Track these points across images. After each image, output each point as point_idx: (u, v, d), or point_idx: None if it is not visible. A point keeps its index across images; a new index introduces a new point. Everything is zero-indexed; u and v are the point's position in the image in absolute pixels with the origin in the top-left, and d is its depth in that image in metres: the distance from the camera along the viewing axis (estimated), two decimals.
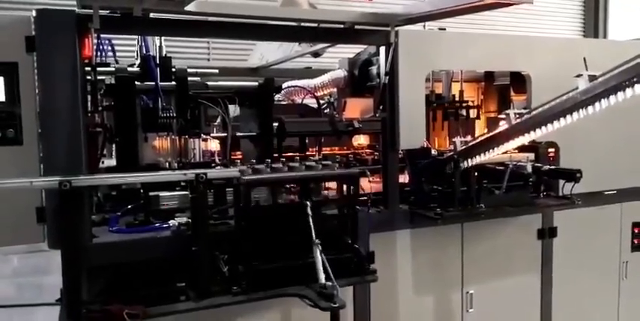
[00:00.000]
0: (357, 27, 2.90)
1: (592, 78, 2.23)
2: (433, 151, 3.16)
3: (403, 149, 3.05)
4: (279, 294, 2.30)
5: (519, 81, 3.54)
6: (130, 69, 2.85)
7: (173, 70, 2.88)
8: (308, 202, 2.35)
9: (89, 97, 2.56)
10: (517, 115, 2.59)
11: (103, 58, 3.07)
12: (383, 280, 2.73)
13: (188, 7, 2.39)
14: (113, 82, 2.71)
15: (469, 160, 2.88)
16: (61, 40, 2.28)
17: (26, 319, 4.32)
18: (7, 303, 4.28)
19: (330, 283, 2.20)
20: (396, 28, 2.94)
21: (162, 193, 2.57)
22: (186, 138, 2.75)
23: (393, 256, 3.06)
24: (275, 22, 2.82)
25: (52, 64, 2.27)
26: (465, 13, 2.68)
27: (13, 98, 2.28)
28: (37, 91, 2.29)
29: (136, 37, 2.98)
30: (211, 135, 2.89)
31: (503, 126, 2.68)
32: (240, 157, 3.05)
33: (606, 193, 3.74)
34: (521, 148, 3.14)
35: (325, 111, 3.93)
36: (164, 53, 2.96)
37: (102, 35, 2.90)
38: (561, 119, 2.40)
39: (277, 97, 3.94)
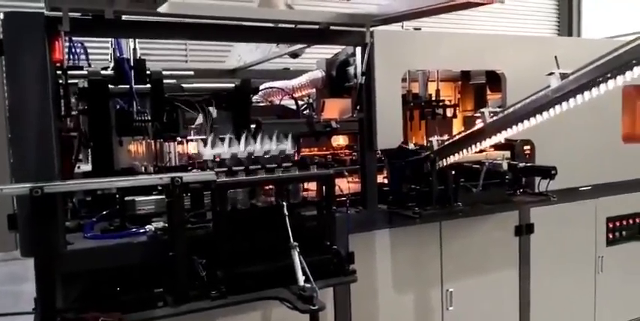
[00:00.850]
0: (332, 28, 2.90)
1: (564, 76, 2.27)
2: (411, 145, 3.18)
3: (381, 149, 3.06)
4: (257, 297, 2.29)
5: (495, 80, 3.58)
6: (103, 72, 2.81)
7: (148, 72, 2.85)
8: (284, 203, 2.34)
9: (62, 101, 2.51)
10: (491, 114, 2.62)
11: (76, 62, 3.03)
12: (363, 279, 2.75)
13: (160, 9, 2.35)
14: (86, 85, 2.66)
15: (446, 159, 2.91)
16: (30, 43, 2.23)
17: None
18: None
19: (309, 285, 2.20)
20: (372, 29, 2.95)
21: (138, 198, 2.54)
22: (162, 142, 2.71)
23: (372, 256, 3.07)
24: (251, 23, 2.80)
25: (21, 67, 2.22)
26: (438, 13, 2.70)
27: None
28: (5, 95, 2.24)
29: (110, 39, 2.93)
30: (188, 138, 2.85)
31: (478, 125, 2.70)
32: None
33: (581, 189, 3.81)
34: (498, 146, 3.19)
35: (304, 112, 3.93)
36: (138, 56, 2.92)
37: (74, 38, 2.85)
38: (535, 117, 2.44)
39: (255, 98, 3.93)
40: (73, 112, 2.74)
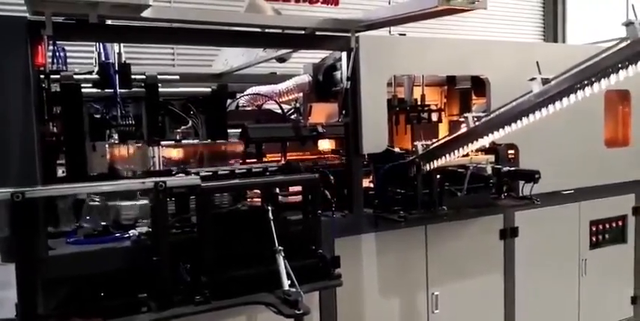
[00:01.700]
0: (318, 33, 2.91)
1: (545, 81, 2.30)
2: (397, 149, 3.20)
3: (367, 153, 3.08)
4: (242, 302, 2.29)
5: (480, 84, 3.61)
6: (77, 76, 2.78)
7: (143, 77, 2.84)
8: (269, 208, 2.34)
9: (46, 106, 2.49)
10: (475, 119, 2.65)
11: (61, 66, 3.00)
12: (349, 283, 2.75)
13: (144, 14, 2.36)
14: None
15: (431, 163, 2.93)
16: (12, 47, 2.22)
17: None
18: None
19: (294, 290, 2.20)
20: (357, 34, 2.97)
21: (122, 203, 2.52)
22: (144, 146, 2.70)
23: (358, 260, 3.08)
24: (238, 28, 2.81)
25: (3, 71, 2.21)
26: (422, 19, 2.73)
27: None
28: None
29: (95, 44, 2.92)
30: (170, 142, 2.84)
31: (462, 129, 2.73)
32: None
33: (564, 192, 3.85)
34: (485, 150, 3.22)
35: (292, 116, 3.93)
36: (123, 60, 2.91)
37: (59, 42, 2.83)
38: (517, 122, 2.47)
39: (241, 103, 3.93)
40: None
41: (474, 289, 3.50)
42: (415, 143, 3.04)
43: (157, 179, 2.21)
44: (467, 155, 3.03)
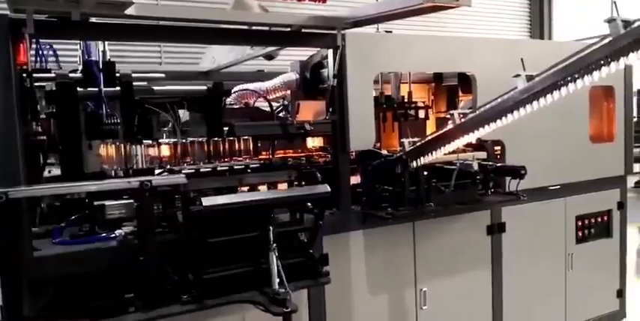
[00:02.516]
0: (304, 30, 2.91)
1: (530, 78, 2.32)
2: (384, 151, 3.21)
3: (354, 150, 3.08)
4: (230, 301, 2.28)
5: (467, 81, 3.63)
6: (72, 75, 2.76)
7: (118, 75, 2.82)
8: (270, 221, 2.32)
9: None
10: (461, 115, 2.66)
11: (44, 64, 2.97)
12: (337, 281, 2.76)
13: (128, 11, 2.33)
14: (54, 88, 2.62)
15: (417, 160, 2.94)
16: None
17: None
18: None
19: (282, 290, 2.21)
20: (344, 31, 2.97)
21: (107, 202, 2.50)
22: (130, 144, 2.68)
23: (346, 257, 3.08)
24: (225, 25, 2.79)
25: None
26: (408, 16, 2.73)
27: None
28: None
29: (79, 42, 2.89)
30: (159, 141, 2.82)
31: (448, 126, 2.74)
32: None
33: (550, 188, 3.89)
34: (470, 147, 3.23)
35: (279, 114, 3.92)
36: (108, 58, 2.88)
37: (43, 40, 2.80)
38: (503, 118, 2.49)
39: (229, 100, 3.91)
40: (42, 116, 2.69)
41: (462, 284, 3.52)
42: (402, 140, 3.05)
43: (143, 178, 2.19)
44: (453, 152, 3.04)
